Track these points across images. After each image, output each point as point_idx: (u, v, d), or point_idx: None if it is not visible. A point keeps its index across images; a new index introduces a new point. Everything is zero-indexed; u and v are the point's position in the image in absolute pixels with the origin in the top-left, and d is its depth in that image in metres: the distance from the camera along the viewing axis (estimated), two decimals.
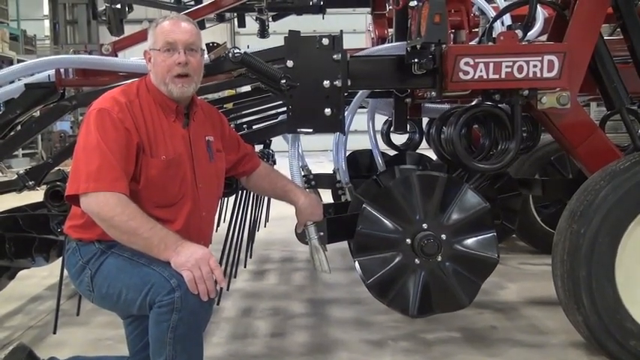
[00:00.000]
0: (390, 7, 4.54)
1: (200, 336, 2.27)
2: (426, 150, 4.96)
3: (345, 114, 3.43)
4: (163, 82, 2.42)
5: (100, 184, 2.22)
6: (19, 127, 3.63)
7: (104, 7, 5.23)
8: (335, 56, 2.91)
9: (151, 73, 2.49)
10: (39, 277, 4.77)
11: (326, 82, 2.92)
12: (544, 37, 3.78)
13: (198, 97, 2.70)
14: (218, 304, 3.90)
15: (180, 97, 2.45)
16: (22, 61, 8.97)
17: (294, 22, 4.30)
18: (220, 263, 3.62)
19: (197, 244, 2.25)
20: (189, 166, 2.47)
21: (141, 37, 4.13)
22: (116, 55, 3.75)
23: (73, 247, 2.42)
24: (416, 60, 2.98)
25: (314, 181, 5.20)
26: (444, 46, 2.95)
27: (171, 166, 2.41)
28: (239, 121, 4.51)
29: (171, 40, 2.40)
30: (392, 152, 5.26)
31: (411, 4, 3.13)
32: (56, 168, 3.50)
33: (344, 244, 4.03)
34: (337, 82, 2.92)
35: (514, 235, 5.54)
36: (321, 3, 5.13)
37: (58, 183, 3.42)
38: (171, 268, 2.18)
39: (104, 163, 2.24)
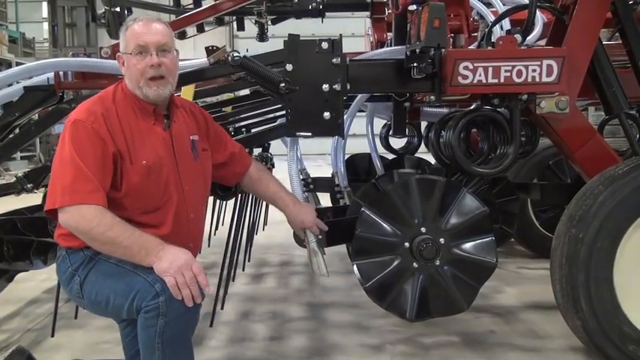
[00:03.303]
0: (390, 12, 4.54)
1: (189, 339, 2.26)
2: (424, 154, 4.97)
3: (344, 118, 3.43)
4: (138, 85, 2.40)
5: (74, 196, 2.21)
6: (17, 130, 3.63)
7: (103, 10, 5.23)
8: (334, 60, 2.92)
9: (125, 77, 2.47)
10: (37, 280, 4.76)
11: (325, 86, 2.92)
12: (543, 42, 3.78)
13: (195, 100, 2.69)
14: (222, 308, 3.90)
15: (157, 99, 2.43)
16: (21, 63, 8.97)
17: (294, 26, 4.31)
18: (221, 267, 3.63)
19: (180, 248, 2.23)
20: (172, 168, 2.45)
21: None
22: (115, 58, 3.75)
23: (62, 255, 2.41)
24: (415, 64, 2.98)
25: (312, 185, 5.20)
26: (443, 50, 2.95)
27: (153, 171, 2.38)
28: (238, 125, 4.51)
29: (143, 43, 2.38)
30: (391, 156, 5.27)
31: (411, 8, 3.14)
32: None
33: (342, 248, 4.03)
34: (336, 85, 2.93)
35: (512, 240, 5.54)
36: (321, 7, 5.13)
37: None
38: (155, 272, 2.17)
39: (78, 176, 2.22)
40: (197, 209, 2.58)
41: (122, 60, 2.46)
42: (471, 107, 3.41)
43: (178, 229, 2.44)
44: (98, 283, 2.30)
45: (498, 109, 3.17)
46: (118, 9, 5.10)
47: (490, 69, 2.93)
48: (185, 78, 3.04)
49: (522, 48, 3.06)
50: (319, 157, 13.82)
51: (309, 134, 3.00)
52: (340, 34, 2.98)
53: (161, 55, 2.39)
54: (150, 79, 2.39)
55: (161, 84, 2.41)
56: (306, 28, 4.78)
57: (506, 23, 3.79)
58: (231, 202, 4.00)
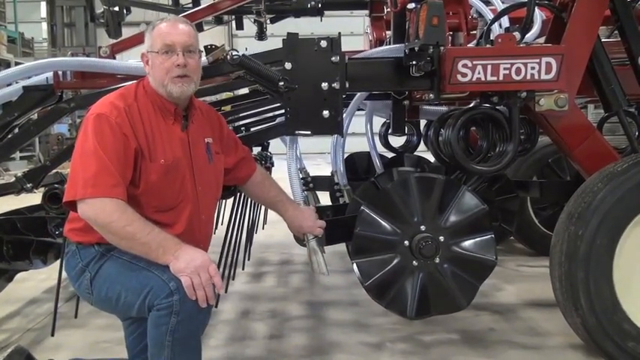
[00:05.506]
0: (388, 10, 4.54)
1: (198, 339, 2.28)
2: (424, 152, 4.97)
3: (343, 116, 3.43)
4: (162, 83, 2.42)
5: (97, 190, 2.21)
6: (16, 130, 3.63)
7: (102, 10, 5.23)
8: (333, 58, 2.92)
9: (148, 75, 2.48)
10: (37, 280, 4.76)
11: (324, 85, 2.92)
12: (542, 40, 3.78)
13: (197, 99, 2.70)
14: (216, 306, 3.89)
15: (180, 96, 2.44)
16: (20, 63, 8.96)
17: (292, 25, 4.31)
18: (218, 265, 3.62)
19: (196, 249, 2.25)
20: (188, 169, 2.46)
21: (139, 39, 4.13)
22: (114, 58, 3.76)
23: (72, 250, 2.42)
24: (414, 62, 2.98)
25: (312, 184, 5.20)
26: (442, 48, 2.95)
27: (170, 170, 2.40)
28: (237, 124, 4.51)
29: (170, 42, 2.40)
30: (390, 154, 5.27)
31: (409, 6, 3.14)
32: (54, 170, 3.50)
33: (342, 247, 4.03)
34: (335, 84, 2.93)
35: (512, 237, 5.54)
36: (319, 6, 5.13)
37: (56, 185, 3.42)
38: (170, 271, 2.18)
39: (101, 169, 2.23)
40: (208, 211, 2.60)
41: (147, 58, 2.47)
42: (470, 105, 3.41)
43: (191, 229, 2.45)
44: (110, 279, 2.31)
45: (497, 107, 3.16)
46: (116, 8, 5.10)
47: (489, 67, 2.93)
48: None
49: (521, 46, 3.06)
50: (318, 155, 13.83)
51: (309, 133, 3.00)
52: (339, 33, 2.98)
53: (187, 55, 2.41)
54: (175, 77, 2.41)
55: (186, 81, 2.42)
56: (305, 26, 4.77)
57: (504, 21, 3.79)
58: (230, 201, 4.00)
